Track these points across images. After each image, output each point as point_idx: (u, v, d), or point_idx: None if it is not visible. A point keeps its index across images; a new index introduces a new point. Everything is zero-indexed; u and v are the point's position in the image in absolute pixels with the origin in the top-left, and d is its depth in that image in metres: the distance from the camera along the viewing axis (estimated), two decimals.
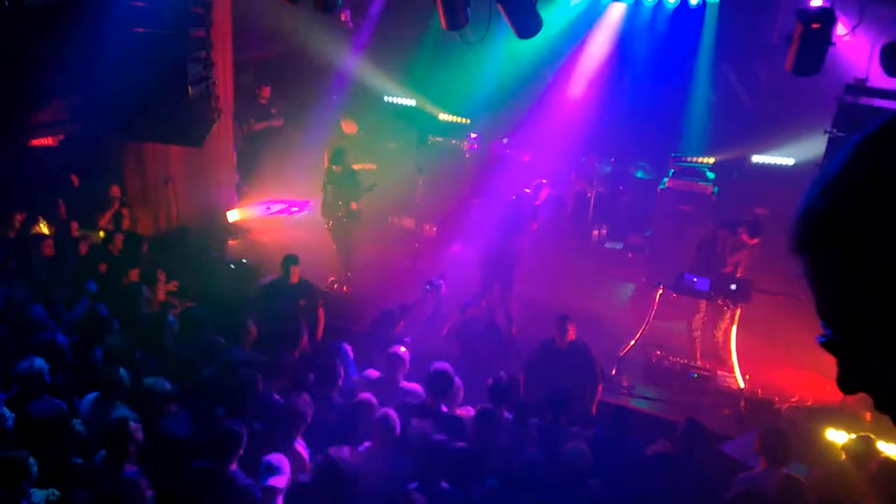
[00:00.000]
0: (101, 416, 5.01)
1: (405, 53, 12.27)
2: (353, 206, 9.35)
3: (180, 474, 4.55)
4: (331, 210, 9.49)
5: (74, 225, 8.68)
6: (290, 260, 7.85)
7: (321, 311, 7.81)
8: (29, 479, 4.04)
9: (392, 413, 5.20)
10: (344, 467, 4.51)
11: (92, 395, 5.31)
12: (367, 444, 5.21)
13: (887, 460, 5.52)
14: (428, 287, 8.11)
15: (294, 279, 7.82)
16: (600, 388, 7.15)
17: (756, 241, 8.23)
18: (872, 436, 5.78)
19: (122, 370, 5.34)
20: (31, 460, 4.07)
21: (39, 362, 5.21)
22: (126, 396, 5.25)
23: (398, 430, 5.16)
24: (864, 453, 5.60)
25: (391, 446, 5.14)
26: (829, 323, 0.86)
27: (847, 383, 0.88)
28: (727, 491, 5.30)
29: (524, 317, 8.86)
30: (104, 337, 6.07)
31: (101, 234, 8.83)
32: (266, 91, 11.90)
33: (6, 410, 4.82)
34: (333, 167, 9.34)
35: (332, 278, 9.57)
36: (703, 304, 8.37)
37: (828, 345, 0.87)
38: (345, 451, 4.92)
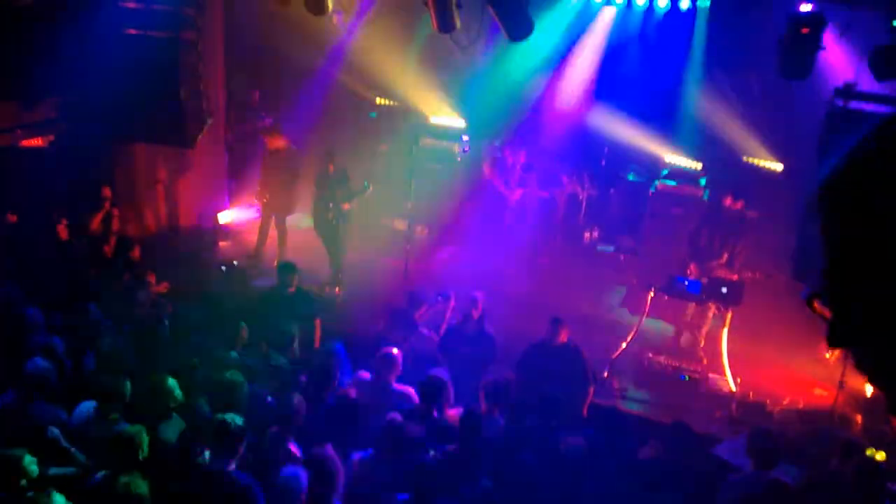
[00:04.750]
0: (100, 427, 4.97)
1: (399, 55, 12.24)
2: (345, 206, 9.32)
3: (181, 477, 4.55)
4: (321, 211, 9.45)
5: (63, 228, 8.62)
6: (288, 268, 7.70)
7: (318, 322, 7.66)
8: (28, 479, 4.01)
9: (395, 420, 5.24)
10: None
11: (89, 405, 5.25)
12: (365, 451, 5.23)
13: (866, 458, 5.57)
14: (440, 298, 8.01)
15: (292, 288, 7.65)
16: (591, 390, 7.16)
17: (741, 204, 8.39)
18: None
19: (122, 379, 5.28)
20: (30, 458, 4.05)
21: (43, 364, 5.17)
22: (125, 406, 5.19)
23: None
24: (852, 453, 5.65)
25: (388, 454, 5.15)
26: (830, 273, 0.99)
27: (834, 338, 1.00)
28: (717, 493, 5.33)
29: (517, 319, 8.86)
30: (95, 340, 6.04)
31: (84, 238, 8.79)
32: (256, 95, 11.89)
33: None
34: (327, 165, 9.31)
35: (325, 280, 9.54)
36: (691, 306, 8.44)
37: (812, 297, 1.01)
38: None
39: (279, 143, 9.91)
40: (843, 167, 0.98)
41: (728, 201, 8.46)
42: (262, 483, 4.48)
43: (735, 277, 8.38)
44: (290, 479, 4.42)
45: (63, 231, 8.53)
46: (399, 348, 6.40)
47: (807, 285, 1.02)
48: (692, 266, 8.45)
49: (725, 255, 8.47)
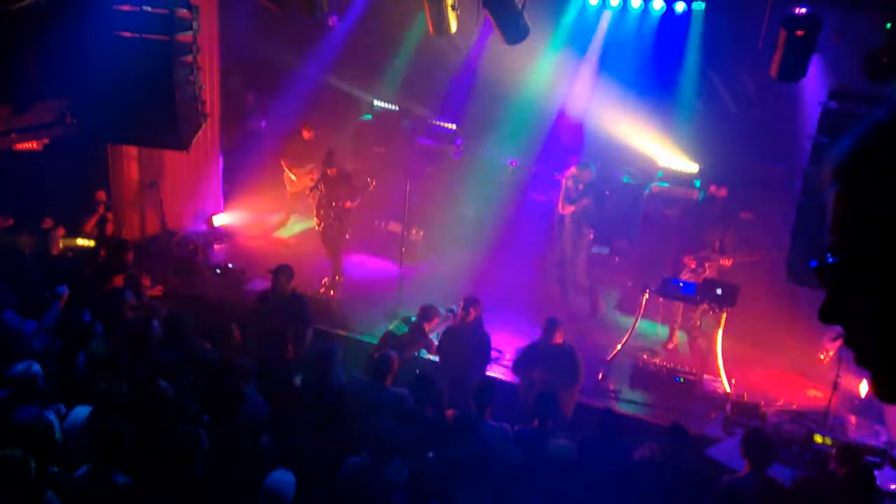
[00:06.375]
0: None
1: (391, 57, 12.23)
2: (347, 204, 9.33)
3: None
4: (323, 211, 9.46)
5: (60, 230, 8.60)
6: (284, 271, 7.68)
7: (309, 330, 7.59)
8: (28, 479, 4.00)
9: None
10: None
11: (84, 409, 5.21)
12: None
13: (859, 465, 5.59)
14: (445, 312, 8.02)
15: (286, 290, 7.65)
16: (577, 389, 7.14)
17: (724, 191, 8.81)
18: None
19: (119, 383, 5.24)
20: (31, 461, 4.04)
21: (36, 367, 5.14)
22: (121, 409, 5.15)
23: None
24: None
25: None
26: (836, 248, 0.97)
27: (827, 313, 0.98)
28: (712, 494, 5.34)
29: (512, 320, 8.86)
30: (87, 343, 6.01)
31: (79, 240, 8.76)
32: (250, 97, 11.88)
33: None
34: (327, 170, 9.32)
35: (325, 280, 9.53)
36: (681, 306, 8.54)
37: (820, 270, 0.97)
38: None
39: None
40: (865, 141, 0.97)
41: (713, 188, 8.76)
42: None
43: (729, 262, 8.47)
44: (278, 484, 4.40)
45: (59, 235, 8.52)
46: (409, 355, 6.44)
47: (814, 259, 1.00)
48: (686, 258, 8.56)
49: (717, 243, 8.58)
